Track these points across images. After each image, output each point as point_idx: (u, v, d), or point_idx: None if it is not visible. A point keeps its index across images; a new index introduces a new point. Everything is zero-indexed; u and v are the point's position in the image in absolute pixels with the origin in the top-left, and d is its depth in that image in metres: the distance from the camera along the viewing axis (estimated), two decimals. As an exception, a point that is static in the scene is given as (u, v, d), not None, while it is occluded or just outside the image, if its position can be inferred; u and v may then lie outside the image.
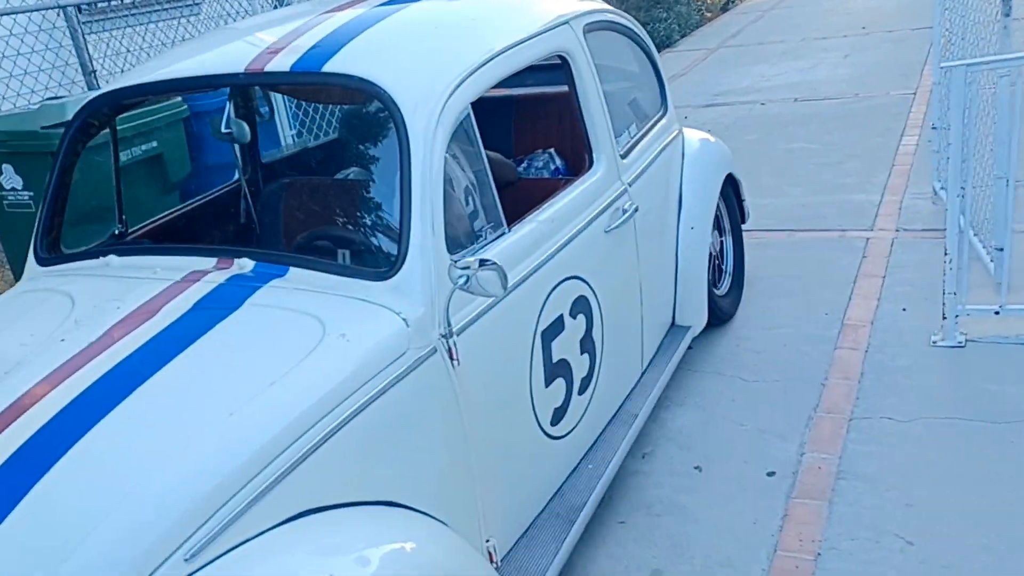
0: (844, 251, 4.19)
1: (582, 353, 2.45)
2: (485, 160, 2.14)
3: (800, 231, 4.52)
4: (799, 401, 3.09)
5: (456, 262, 1.85)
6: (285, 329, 1.82)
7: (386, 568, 1.56)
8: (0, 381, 1.74)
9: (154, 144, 4.40)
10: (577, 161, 3.19)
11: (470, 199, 2.15)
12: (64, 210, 2.39)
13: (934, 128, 4.65)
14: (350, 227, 2.48)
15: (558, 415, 2.35)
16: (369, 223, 2.39)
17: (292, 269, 2.01)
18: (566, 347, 2.35)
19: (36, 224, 2.37)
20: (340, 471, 1.66)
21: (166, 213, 2.73)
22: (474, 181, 2.15)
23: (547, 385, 2.27)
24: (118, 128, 2.63)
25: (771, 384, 3.22)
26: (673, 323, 3.27)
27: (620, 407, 2.75)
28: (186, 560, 1.39)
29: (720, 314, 3.58)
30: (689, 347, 3.28)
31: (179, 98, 4.46)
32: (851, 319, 3.59)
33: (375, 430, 1.73)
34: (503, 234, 2.15)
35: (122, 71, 5.59)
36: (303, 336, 1.78)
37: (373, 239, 2.33)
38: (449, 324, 1.90)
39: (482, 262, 1.80)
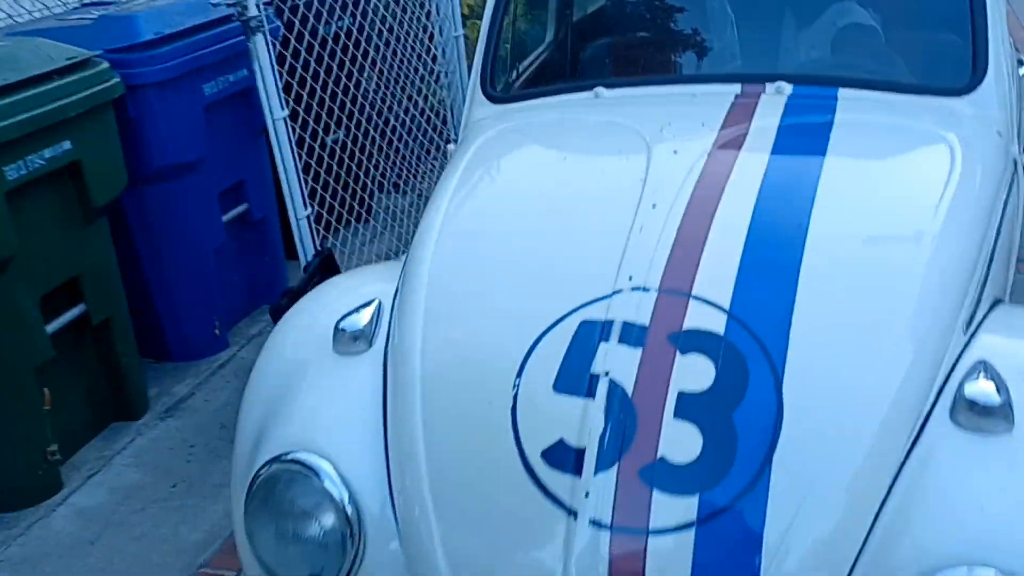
0: None
1: None
2: None
3: None
4: None
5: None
6: (904, 148, 1.85)
7: None
8: (653, 210, 1.61)
9: (66, 146, 2.59)
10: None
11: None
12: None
13: None
14: (894, 37, 2.27)
15: None
16: (924, 29, 2.24)
17: (842, 90, 1.95)
18: None
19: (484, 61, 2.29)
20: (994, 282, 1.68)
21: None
22: None
23: None
24: None
25: None
26: None
27: None
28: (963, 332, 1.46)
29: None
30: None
31: (104, 64, 2.71)
32: None
33: (1004, 244, 1.75)
34: None
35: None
36: (928, 154, 1.81)
37: (933, 48, 2.19)
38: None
39: None
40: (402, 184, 4.01)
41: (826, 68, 2.23)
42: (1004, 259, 1.75)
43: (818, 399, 1.36)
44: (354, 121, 3.48)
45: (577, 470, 1.33)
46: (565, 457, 1.35)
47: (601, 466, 1.32)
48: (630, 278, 1.51)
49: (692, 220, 1.59)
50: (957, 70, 2.00)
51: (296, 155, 2.85)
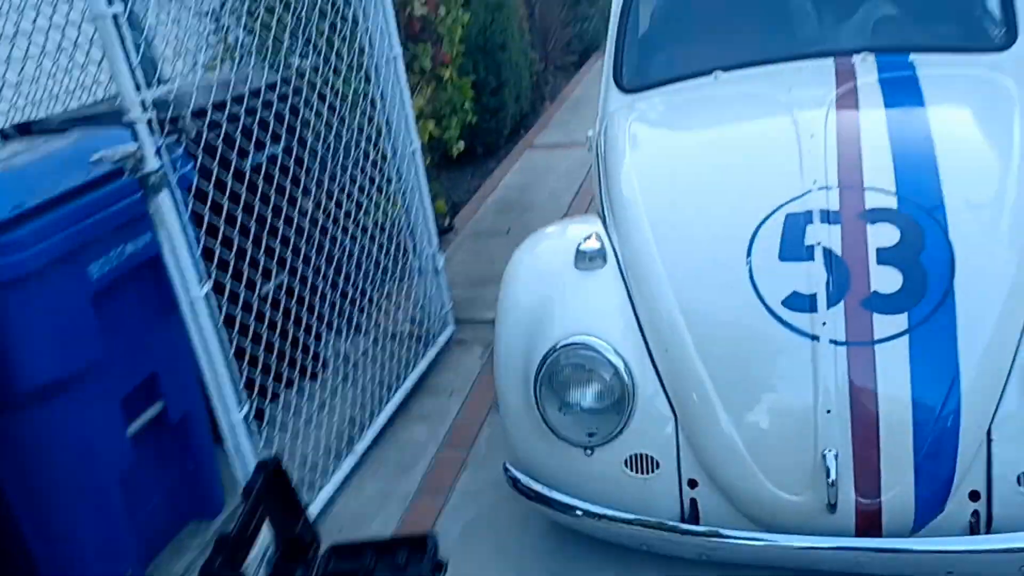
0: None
1: None
2: None
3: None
4: None
5: None
6: (976, 85, 2.49)
7: None
8: (812, 139, 2.18)
9: None
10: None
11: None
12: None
13: None
14: (940, 7, 2.87)
15: None
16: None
17: (913, 54, 2.59)
18: None
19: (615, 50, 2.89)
20: None
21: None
22: None
23: None
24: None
25: None
26: None
27: None
28: None
29: None
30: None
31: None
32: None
33: None
34: None
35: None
36: (994, 87, 2.44)
37: (973, 15, 2.78)
38: None
39: None
40: (363, 322, 3.39)
41: (894, 39, 2.80)
42: None
43: (975, 245, 1.92)
44: (300, 258, 2.92)
45: (812, 309, 1.87)
46: (801, 302, 1.89)
47: (831, 303, 1.86)
48: (814, 182, 2.08)
49: (845, 141, 2.17)
50: (996, 32, 2.65)
51: (225, 338, 2.19)
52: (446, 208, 4.67)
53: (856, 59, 2.60)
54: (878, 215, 1.98)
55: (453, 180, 5.70)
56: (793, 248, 1.98)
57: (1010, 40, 2.59)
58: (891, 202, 2.01)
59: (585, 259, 2.16)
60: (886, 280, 1.88)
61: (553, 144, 6.22)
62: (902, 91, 2.42)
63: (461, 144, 4.86)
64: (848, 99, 2.39)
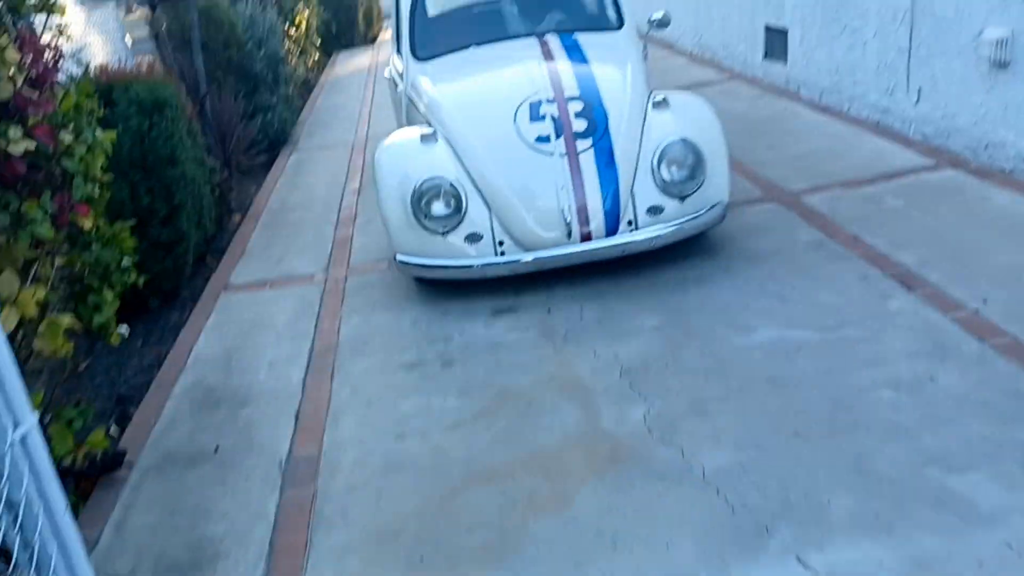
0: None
1: None
2: None
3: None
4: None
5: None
6: (614, 46, 4.71)
7: None
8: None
9: None
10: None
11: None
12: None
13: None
14: (576, 9, 5.21)
15: None
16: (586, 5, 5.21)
17: (576, 33, 4.73)
18: None
19: (411, 40, 4.95)
20: None
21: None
22: None
23: None
24: None
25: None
26: None
27: None
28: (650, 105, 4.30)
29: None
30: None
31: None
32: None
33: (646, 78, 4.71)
34: None
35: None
36: (624, 48, 4.69)
37: (604, 11, 4.99)
38: None
39: None
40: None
41: (564, 26, 4.96)
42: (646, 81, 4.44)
43: (616, 110, 4.04)
44: None
45: (549, 141, 3.93)
46: (543, 140, 3.93)
47: (557, 138, 3.93)
48: (542, 88, 4.15)
49: (552, 72, 4.25)
50: (614, 19, 4.94)
51: None
52: (106, 432, 3.06)
53: (548, 37, 4.73)
54: (572, 99, 4.09)
55: (116, 363, 4.03)
56: (536, 116, 4.03)
57: (621, 24, 4.91)
58: (577, 94, 4.13)
59: (426, 139, 4.15)
60: (580, 125, 3.98)
61: (257, 282, 4.74)
62: (574, 50, 4.53)
63: (124, 329, 3.22)
64: (548, 55, 4.48)
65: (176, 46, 6.44)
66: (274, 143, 7.55)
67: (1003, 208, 4.16)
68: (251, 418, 3.32)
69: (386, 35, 15.36)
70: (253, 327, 4.14)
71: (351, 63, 13.12)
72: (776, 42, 7.04)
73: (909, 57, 5.21)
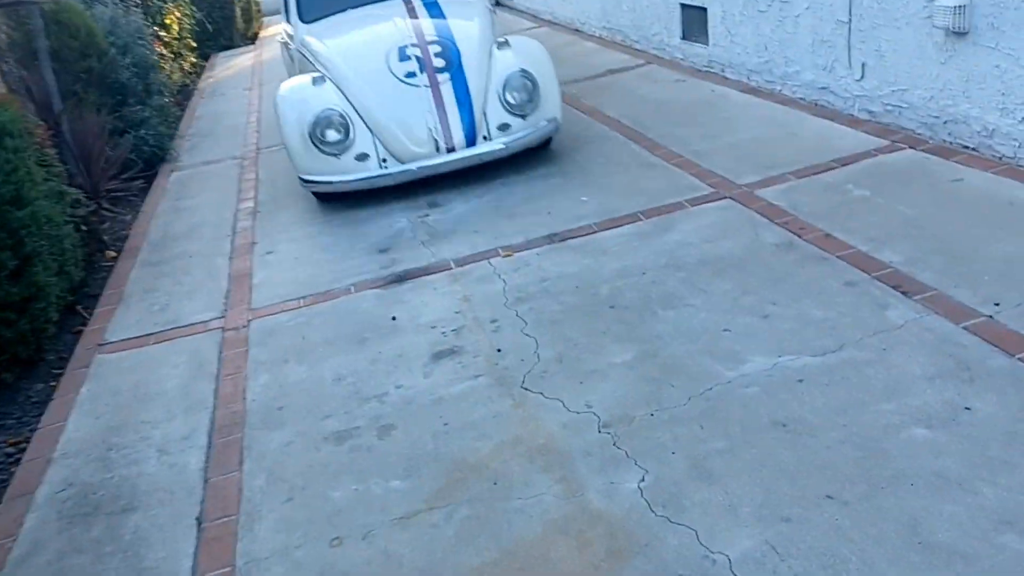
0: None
1: None
2: None
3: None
4: None
5: None
6: (470, 5, 5.65)
7: None
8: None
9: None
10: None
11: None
12: None
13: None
14: None
15: None
16: None
17: None
18: None
19: (297, 7, 5.93)
20: None
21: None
22: None
23: None
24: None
25: None
26: None
27: None
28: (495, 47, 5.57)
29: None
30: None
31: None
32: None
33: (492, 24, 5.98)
34: None
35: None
36: (479, 7, 5.67)
37: None
38: None
39: None
40: None
41: None
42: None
43: (466, 48, 5.09)
44: None
45: (415, 76, 4.95)
46: (411, 75, 4.94)
47: (421, 72, 4.96)
48: (409, 36, 5.17)
49: (415, 25, 5.29)
50: None
51: None
52: None
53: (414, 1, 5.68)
54: (432, 43, 5.08)
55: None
56: (403, 57, 5.00)
57: None
58: (435, 39, 5.12)
59: (316, 81, 5.02)
60: (439, 63, 4.95)
61: (139, 336, 4.00)
62: (433, 7, 5.53)
63: None
64: (412, 13, 5.46)
65: (19, 59, 5.50)
66: (150, 162, 6.65)
67: (979, 190, 3.81)
68: (139, 529, 2.60)
69: (268, 32, 14.36)
70: (136, 397, 3.39)
71: (232, 64, 12.10)
72: (694, 20, 6.62)
73: (849, 30, 4.84)
